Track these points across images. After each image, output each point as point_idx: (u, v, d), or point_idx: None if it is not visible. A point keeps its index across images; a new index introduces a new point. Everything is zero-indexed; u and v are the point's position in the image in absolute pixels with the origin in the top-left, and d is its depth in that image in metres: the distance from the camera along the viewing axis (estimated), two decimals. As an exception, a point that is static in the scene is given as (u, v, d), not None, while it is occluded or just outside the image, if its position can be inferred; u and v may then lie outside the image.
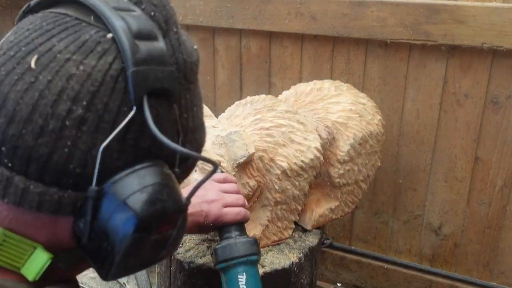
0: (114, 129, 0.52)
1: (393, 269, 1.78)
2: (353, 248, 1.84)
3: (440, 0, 1.44)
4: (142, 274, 1.46)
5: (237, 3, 1.71)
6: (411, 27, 1.48)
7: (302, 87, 1.39)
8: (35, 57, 0.52)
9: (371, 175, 1.37)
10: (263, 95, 1.24)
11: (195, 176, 1.04)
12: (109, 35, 0.54)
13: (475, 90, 1.49)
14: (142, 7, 0.57)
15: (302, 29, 1.63)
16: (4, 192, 0.52)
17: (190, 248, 1.16)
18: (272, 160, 1.10)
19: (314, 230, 1.29)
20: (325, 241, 1.83)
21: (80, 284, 1.58)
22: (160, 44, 0.55)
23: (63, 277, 0.63)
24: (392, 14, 1.49)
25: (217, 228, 0.98)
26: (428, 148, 1.60)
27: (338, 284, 1.89)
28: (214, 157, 1.05)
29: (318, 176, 1.25)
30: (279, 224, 1.19)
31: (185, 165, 0.62)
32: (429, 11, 1.44)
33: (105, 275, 0.57)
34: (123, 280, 1.58)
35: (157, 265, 1.25)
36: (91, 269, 1.76)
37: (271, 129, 1.12)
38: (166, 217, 0.55)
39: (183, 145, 0.60)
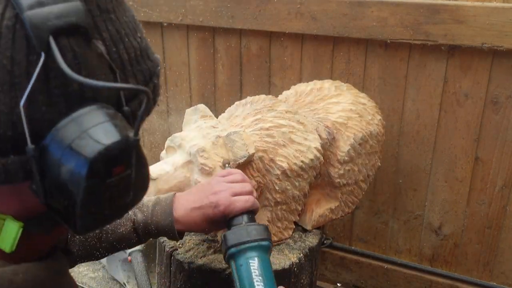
0: (30, 81, 0.49)
1: (393, 269, 1.78)
2: (353, 248, 1.84)
3: (440, 0, 1.44)
4: (142, 274, 1.46)
5: (237, 3, 1.71)
6: (411, 27, 1.48)
7: (302, 87, 1.39)
8: None
9: (371, 175, 1.37)
10: (263, 95, 1.24)
11: (195, 176, 1.04)
12: None
13: (475, 90, 1.49)
14: None
15: (302, 29, 1.63)
16: None
17: (190, 249, 1.16)
18: (272, 160, 1.10)
19: (314, 230, 1.29)
20: (325, 241, 1.84)
21: (80, 284, 1.58)
22: None
23: (43, 245, 0.63)
24: (392, 14, 1.49)
25: (227, 221, 0.96)
26: (428, 148, 1.60)
27: (338, 284, 1.89)
28: (214, 158, 1.04)
29: (318, 177, 1.25)
30: (279, 224, 1.19)
31: (136, 101, 0.58)
32: (429, 11, 1.44)
33: (75, 229, 0.55)
34: (123, 280, 1.58)
35: (157, 265, 1.25)
36: (91, 268, 1.75)
37: (271, 129, 1.12)
38: (115, 156, 0.51)
39: (125, 80, 0.56)
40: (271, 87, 1.79)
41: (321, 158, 1.18)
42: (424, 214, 1.68)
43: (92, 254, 0.96)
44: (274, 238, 1.20)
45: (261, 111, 1.15)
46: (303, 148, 1.13)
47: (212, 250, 1.16)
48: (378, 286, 1.82)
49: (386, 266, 1.79)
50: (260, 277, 0.86)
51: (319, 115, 1.27)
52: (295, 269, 1.15)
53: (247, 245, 0.89)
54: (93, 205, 0.53)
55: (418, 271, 1.74)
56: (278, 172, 1.10)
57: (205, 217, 0.95)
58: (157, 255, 1.24)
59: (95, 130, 0.50)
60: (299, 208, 1.20)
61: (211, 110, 1.20)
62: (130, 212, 0.97)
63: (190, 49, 1.92)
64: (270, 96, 1.25)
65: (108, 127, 0.51)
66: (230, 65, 1.85)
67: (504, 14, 1.36)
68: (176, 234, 0.96)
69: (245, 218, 0.94)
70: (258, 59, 1.79)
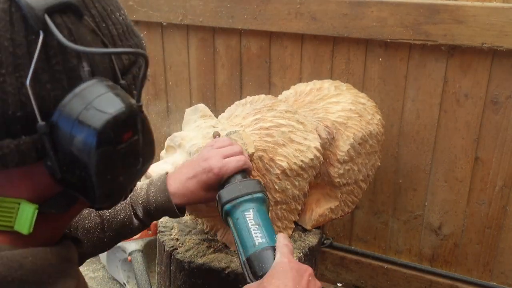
0: (32, 60, 0.51)
1: (393, 269, 1.78)
2: (353, 248, 1.84)
3: (440, 0, 1.44)
4: (142, 274, 1.46)
5: (237, 3, 1.71)
6: (411, 27, 1.48)
7: (302, 87, 1.40)
8: None
9: (371, 174, 1.37)
10: (263, 95, 1.24)
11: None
12: None
13: (475, 90, 1.49)
14: None
15: (302, 29, 1.63)
16: None
17: (190, 248, 1.16)
18: (272, 160, 1.10)
19: (314, 230, 1.29)
20: (325, 241, 1.84)
21: (80, 284, 1.58)
22: None
23: (58, 229, 0.64)
24: (392, 14, 1.49)
25: (221, 184, 0.96)
26: (428, 148, 1.60)
27: (338, 284, 1.89)
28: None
29: (318, 176, 1.25)
30: (279, 224, 1.19)
31: (131, 74, 0.61)
32: (429, 11, 1.44)
33: (94, 201, 0.57)
34: (123, 280, 1.58)
35: (157, 265, 1.25)
36: (91, 268, 1.75)
37: (270, 129, 1.12)
38: (123, 123, 0.54)
39: (118, 56, 0.59)
40: (271, 87, 1.79)
41: (321, 158, 1.18)
42: (424, 214, 1.68)
43: (98, 247, 0.97)
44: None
45: (260, 110, 1.16)
46: (303, 148, 1.13)
47: (212, 249, 1.16)
48: (378, 286, 1.82)
49: (386, 266, 1.79)
50: (257, 226, 0.86)
51: (318, 114, 1.27)
52: None
53: (240, 199, 0.90)
54: (107, 173, 0.55)
55: (418, 271, 1.74)
56: (278, 171, 1.10)
57: (200, 184, 0.96)
58: (157, 255, 1.24)
59: (99, 101, 0.53)
60: (299, 208, 1.20)
61: (211, 110, 1.20)
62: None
63: (190, 49, 1.92)
64: (270, 96, 1.25)
65: (111, 97, 0.54)
66: (230, 65, 1.85)
67: (504, 14, 1.36)
68: (175, 209, 0.97)
69: (238, 177, 0.95)
70: (258, 59, 1.79)
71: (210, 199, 1.00)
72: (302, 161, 1.13)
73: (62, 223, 0.65)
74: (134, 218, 0.98)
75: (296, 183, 1.14)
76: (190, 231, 1.24)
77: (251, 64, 1.81)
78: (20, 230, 0.57)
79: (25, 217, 0.57)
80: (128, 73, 0.61)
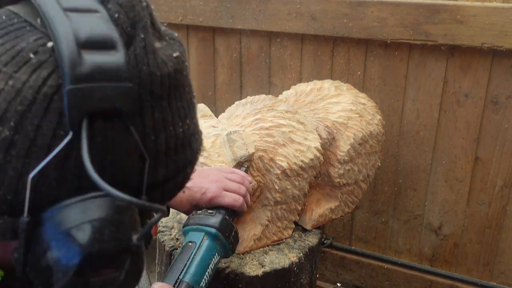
0: (49, 154, 0.45)
1: (393, 269, 1.78)
2: (353, 248, 1.84)
3: (440, 0, 1.44)
4: (142, 274, 1.45)
5: (237, 3, 1.70)
6: (411, 27, 1.48)
7: (302, 87, 1.39)
8: None
9: (371, 175, 1.37)
10: (263, 95, 1.24)
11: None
12: (50, 44, 0.46)
13: (475, 90, 1.49)
14: (109, 6, 0.48)
15: (302, 29, 1.63)
16: None
17: (190, 248, 1.16)
18: (272, 160, 1.10)
19: (314, 230, 1.29)
20: (325, 241, 1.84)
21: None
22: (116, 55, 0.46)
23: None
24: (392, 14, 1.49)
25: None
26: (428, 148, 1.60)
27: (338, 284, 1.89)
28: (214, 157, 1.04)
29: (318, 176, 1.25)
30: (279, 224, 1.19)
31: (159, 191, 0.54)
32: (429, 11, 1.44)
33: None
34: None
35: (157, 265, 1.25)
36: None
37: (271, 129, 1.12)
38: (106, 259, 0.48)
39: (153, 169, 0.52)
40: (271, 87, 1.79)
41: (321, 158, 1.18)
42: (424, 214, 1.68)
43: None
44: (274, 238, 1.20)
45: (261, 110, 1.16)
46: (303, 148, 1.13)
47: (212, 249, 1.16)
48: (378, 286, 1.82)
49: (386, 266, 1.79)
50: (189, 261, 0.88)
51: (319, 115, 1.27)
52: (295, 268, 1.15)
53: (193, 227, 0.92)
54: None
55: (418, 271, 1.74)
56: (278, 171, 1.10)
57: (191, 199, 0.97)
58: (157, 255, 1.24)
59: (97, 224, 0.47)
60: (299, 208, 1.20)
61: (211, 110, 1.20)
62: None
63: (190, 49, 1.92)
64: (270, 96, 1.25)
65: (112, 224, 0.47)
66: (230, 65, 1.85)
67: (504, 14, 1.36)
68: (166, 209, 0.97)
69: (221, 210, 0.96)
70: (258, 59, 1.79)
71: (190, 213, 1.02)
72: (302, 161, 1.13)
73: None
74: None
75: (296, 183, 1.14)
76: (190, 231, 1.23)
77: (251, 64, 1.81)
78: None
79: None
80: (157, 188, 0.53)
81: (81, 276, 0.47)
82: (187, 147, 0.56)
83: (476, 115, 1.51)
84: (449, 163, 1.59)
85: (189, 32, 1.89)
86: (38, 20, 0.47)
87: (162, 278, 0.90)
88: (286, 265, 1.13)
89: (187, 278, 0.85)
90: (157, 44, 0.51)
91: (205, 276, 0.88)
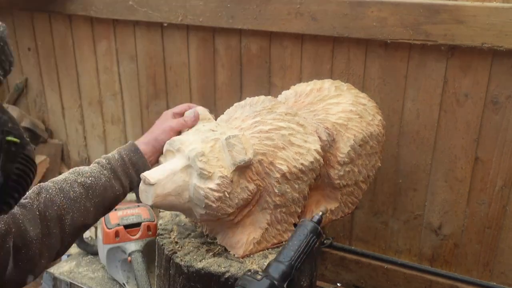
0: None
1: (393, 269, 1.78)
2: (353, 248, 1.84)
3: (440, 0, 1.44)
4: (142, 275, 1.46)
5: (237, 3, 1.70)
6: (411, 27, 1.47)
7: (302, 87, 1.39)
8: None
9: (371, 175, 1.37)
10: (263, 96, 1.24)
11: (194, 181, 1.04)
12: None
13: (475, 90, 1.49)
14: None
15: (302, 29, 1.63)
16: None
17: (189, 252, 1.16)
18: (271, 163, 1.10)
19: (313, 231, 1.28)
20: (325, 241, 1.83)
21: (80, 285, 1.58)
22: None
23: None
24: (392, 14, 1.49)
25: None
26: (428, 148, 1.60)
27: (338, 284, 1.89)
28: (213, 162, 1.03)
29: (318, 178, 1.25)
30: (279, 227, 1.18)
31: None
32: (429, 11, 1.44)
33: None
34: (122, 280, 1.58)
35: (156, 268, 1.25)
36: (90, 269, 1.75)
37: (270, 132, 1.11)
38: None
39: None
40: (271, 87, 1.79)
41: (321, 161, 1.17)
42: (424, 214, 1.68)
43: (87, 217, 1.05)
44: (274, 241, 1.20)
45: (260, 113, 1.15)
46: (303, 151, 1.13)
47: (211, 253, 1.16)
48: (378, 286, 1.82)
49: (386, 266, 1.79)
50: None
51: (319, 116, 1.26)
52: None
53: None
54: None
55: (418, 271, 1.74)
56: (278, 175, 1.10)
57: (154, 150, 1.14)
58: (156, 258, 1.24)
59: None
60: (299, 210, 1.20)
61: (211, 110, 1.20)
62: (103, 162, 1.10)
63: (190, 49, 1.91)
64: (270, 97, 1.25)
65: None
66: (230, 65, 1.85)
67: (504, 14, 1.35)
68: (148, 163, 1.13)
69: (268, 274, 0.93)
70: (258, 59, 1.79)
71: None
72: (302, 164, 1.12)
73: None
74: (113, 181, 1.07)
75: (296, 186, 1.14)
76: (189, 234, 1.23)
77: (251, 64, 1.81)
78: None
79: None
80: None
81: None
82: None
83: (476, 115, 1.51)
84: (449, 163, 1.59)
85: (189, 32, 1.89)
86: None
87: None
88: (286, 268, 1.13)
89: None
90: None
91: None
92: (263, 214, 1.15)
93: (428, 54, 1.52)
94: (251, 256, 1.16)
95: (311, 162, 1.14)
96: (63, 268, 1.67)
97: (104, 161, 1.10)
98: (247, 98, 1.25)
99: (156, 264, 1.25)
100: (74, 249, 1.76)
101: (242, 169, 1.06)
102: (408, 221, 1.72)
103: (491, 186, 1.55)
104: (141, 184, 1.04)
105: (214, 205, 1.04)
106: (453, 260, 1.69)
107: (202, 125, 1.10)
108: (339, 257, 1.86)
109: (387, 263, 1.79)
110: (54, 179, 1.05)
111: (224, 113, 1.24)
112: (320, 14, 1.59)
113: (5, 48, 0.64)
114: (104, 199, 1.06)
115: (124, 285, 1.58)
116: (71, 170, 1.08)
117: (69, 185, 1.03)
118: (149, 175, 1.02)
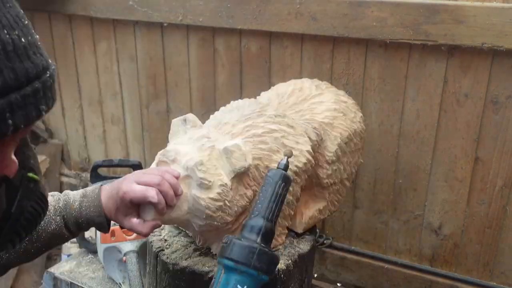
0: None
1: (393, 269, 1.77)
2: (353, 248, 1.84)
3: (440, 0, 1.43)
4: (135, 275, 1.46)
5: (237, 3, 1.70)
6: (411, 27, 1.47)
7: (283, 87, 1.37)
8: None
9: (354, 172, 1.36)
10: (246, 99, 1.21)
11: (194, 191, 1.00)
12: None
13: (475, 90, 1.49)
14: None
15: (302, 29, 1.63)
16: None
17: (176, 250, 1.15)
18: (267, 168, 1.07)
19: (306, 236, 1.26)
20: (325, 241, 1.84)
21: (80, 284, 1.58)
22: None
23: None
24: (392, 14, 1.49)
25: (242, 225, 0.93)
26: (428, 148, 1.60)
27: (338, 284, 1.89)
28: (212, 170, 0.99)
29: (306, 179, 1.23)
30: (274, 231, 1.16)
31: (7, 100, 0.55)
32: (429, 11, 1.44)
33: None
34: (119, 280, 1.58)
35: (147, 265, 1.25)
36: (90, 269, 1.74)
37: (263, 135, 1.09)
38: None
39: None
40: (271, 87, 1.79)
41: (313, 161, 1.16)
42: (424, 214, 1.68)
43: (24, 257, 0.96)
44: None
45: (250, 116, 1.12)
46: (296, 152, 1.11)
47: (198, 252, 1.15)
48: (378, 286, 1.82)
49: (386, 266, 1.79)
50: None
51: (305, 116, 1.25)
52: (282, 276, 1.11)
53: (247, 269, 0.84)
54: None
55: (418, 271, 1.74)
56: (274, 179, 1.08)
57: (114, 204, 0.95)
58: (147, 255, 1.24)
59: None
60: (292, 213, 1.19)
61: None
62: (59, 205, 0.97)
63: (190, 49, 1.92)
64: (253, 99, 1.22)
65: None
66: (230, 65, 1.85)
67: (504, 14, 1.35)
68: (106, 224, 0.98)
69: (235, 236, 0.89)
70: (258, 59, 1.79)
71: (126, 225, 0.98)
72: (296, 166, 1.11)
73: None
74: (64, 229, 0.97)
75: (291, 189, 1.12)
76: (179, 233, 1.22)
77: (251, 64, 1.81)
78: None
79: None
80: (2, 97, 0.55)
81: None
82: (24, 58, 0.57)
83: (476, 115, 1.50)
84: (449, 163, 1.58)
85: (189, 32, 1.89)
86: None
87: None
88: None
89: None
90: None
91: None
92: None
93: (428, 54, 1.51)
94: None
95: (305, 164, 1.13)
96: (63, 267, 1.68)
97: (59, 205, 0.99)
98: (232, 102, 1.22)
99: (147, 261, 1.24)
100: (74, 249, 1.76)
101: (240, 175, 1.03)
102: (408, 221, 1.72)
103: (491, 186, 1.55)
104: None
105: (214, 215, 1.00)
106: (453, 260, 1.69)
107: (194, 133, 1.07)
108: (339, 257, 1.86)
109: (387, 263, 1.79)
110: None
111: (210, 117, 1.21)
112: (320, 14, 1.58)
113: (53, 86, 0.62)
114: (48, 245, 0.98)
115: (121, 285, 1.58)
116: None
117: None
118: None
